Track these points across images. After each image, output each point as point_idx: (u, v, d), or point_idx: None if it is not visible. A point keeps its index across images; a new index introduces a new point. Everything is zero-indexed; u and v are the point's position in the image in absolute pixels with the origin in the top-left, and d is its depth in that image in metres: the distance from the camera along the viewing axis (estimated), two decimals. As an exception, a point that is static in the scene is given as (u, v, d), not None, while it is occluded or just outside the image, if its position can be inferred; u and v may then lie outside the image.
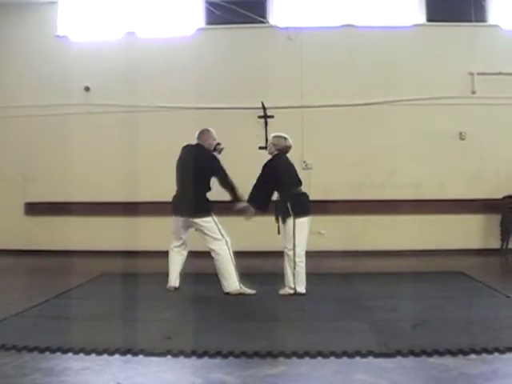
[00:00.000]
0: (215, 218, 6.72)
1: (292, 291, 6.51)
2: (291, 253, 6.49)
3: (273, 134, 6.98)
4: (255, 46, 10.40)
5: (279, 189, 6.65)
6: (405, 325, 5.17)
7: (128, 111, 10.22)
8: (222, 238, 6.66)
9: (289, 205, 6.51)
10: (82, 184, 10.17)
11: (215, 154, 6.98)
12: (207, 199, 6.77)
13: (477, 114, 9.95)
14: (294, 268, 6.48)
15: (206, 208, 6.70)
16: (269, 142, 6.96)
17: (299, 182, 6.77)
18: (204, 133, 6.97)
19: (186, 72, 10.20)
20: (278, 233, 6.66)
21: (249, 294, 6.55)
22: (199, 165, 6.74)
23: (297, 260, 6.47)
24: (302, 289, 6.52)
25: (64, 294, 6.70)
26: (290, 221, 6.50)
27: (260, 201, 6.69)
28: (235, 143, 9.98)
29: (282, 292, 6.58)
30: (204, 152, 6.87)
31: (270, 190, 6.67)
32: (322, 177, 9.71)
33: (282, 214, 6.58)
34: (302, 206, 6.63)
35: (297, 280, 6.50)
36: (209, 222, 6.67)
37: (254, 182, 6.72)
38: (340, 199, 10.02)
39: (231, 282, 6.59)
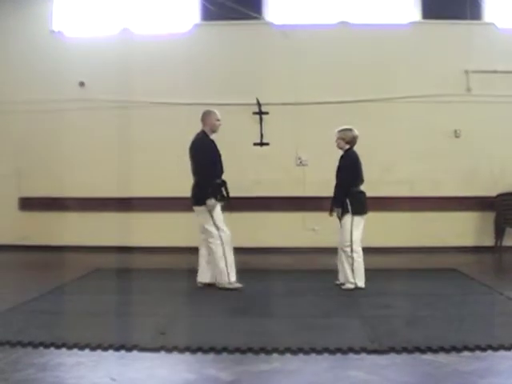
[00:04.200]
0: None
1: (352, 286, 6.56)
2: (348, 249, 6.56)
3: (338, 129, 6.88)
4: (250, 42, 10.37)
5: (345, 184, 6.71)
6: (398, 321, 5.19)
7: (123, 107, 10.18)
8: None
9: (348, 201, 6.58)
10: (76, 179, 10.13)
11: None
12: (201, 188, 6.63)
13: (472, 112, 9.94)
14: (353, 264, 6.55)
15: (199, 197, 6.63)
16: (336, 138, 6.85)
17: (363, 180, 6.83)
18: (203, 115, 6.91)
19: (182, 68, 10.18)
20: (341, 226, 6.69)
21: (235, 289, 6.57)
22: (191, 153, 6.76)
23: (355, 256, 6.55)
24: (361, 283, 6.58)
25: (58, 290, 6.68)
26: (348, 217, 6.58)
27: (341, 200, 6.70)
28: (230, 139, 9.98)
29: (344, 287, 6.61)
30: (195, 139, 6.82)
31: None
32: (317, 173, 9.66)
33: (340, 209, 6.63)
34: (361, 204, 6.69)
35: (356, 275, 6.56)
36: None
37: (336, 181, 6.79)
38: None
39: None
